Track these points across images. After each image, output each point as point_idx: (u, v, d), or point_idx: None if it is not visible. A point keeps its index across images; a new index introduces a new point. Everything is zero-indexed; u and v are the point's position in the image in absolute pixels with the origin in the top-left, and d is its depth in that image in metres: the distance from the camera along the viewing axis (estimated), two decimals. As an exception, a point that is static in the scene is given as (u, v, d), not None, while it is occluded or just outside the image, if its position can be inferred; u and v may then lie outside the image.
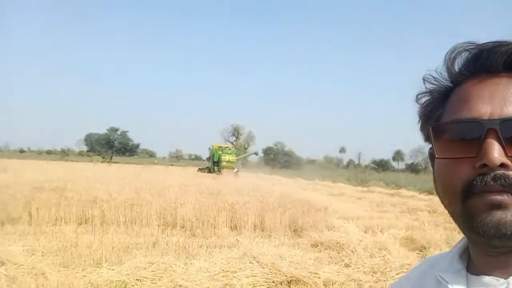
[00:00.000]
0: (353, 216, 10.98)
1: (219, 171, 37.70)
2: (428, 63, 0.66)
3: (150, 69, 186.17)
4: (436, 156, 0.62)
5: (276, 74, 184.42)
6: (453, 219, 0.62)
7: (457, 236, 8.02)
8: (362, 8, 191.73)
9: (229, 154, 40.23)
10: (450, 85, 0.65)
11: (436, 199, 14.97)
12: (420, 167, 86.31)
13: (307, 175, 41.63)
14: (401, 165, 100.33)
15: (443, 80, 0.66)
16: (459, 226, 0.61)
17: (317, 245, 6.94)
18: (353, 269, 5.61)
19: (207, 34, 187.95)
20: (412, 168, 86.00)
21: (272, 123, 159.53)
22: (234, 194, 11.68)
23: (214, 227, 8.60)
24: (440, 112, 0.65)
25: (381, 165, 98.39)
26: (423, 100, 0.69)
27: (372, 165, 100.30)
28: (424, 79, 0.67)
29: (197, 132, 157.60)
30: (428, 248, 7.11)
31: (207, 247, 6.72)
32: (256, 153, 57.24)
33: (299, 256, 5.87)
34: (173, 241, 7.06)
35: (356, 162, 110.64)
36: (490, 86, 0.58)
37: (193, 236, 7.98)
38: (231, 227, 8.68)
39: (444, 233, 8.31)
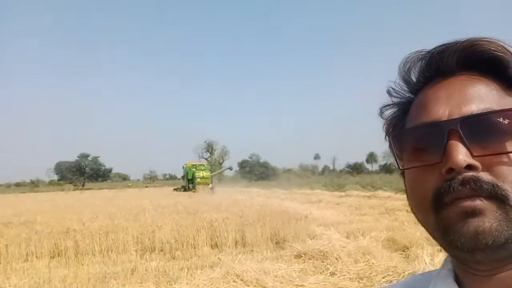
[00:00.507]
0: (333, 222, 10.97)
1: (194, 189, 37.60)
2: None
3: (117, 91, 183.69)
4: (400, 168, 0.58)
5: (245, 86, 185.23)
6: (431, 236, 0.55)
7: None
8: (332, 11, 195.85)
9: (202, 170, 40.49)
10: (411, 96, 0.62)
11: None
12: (394, 167, 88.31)
13: (284, 185, 41.81)
14: (375, 167, 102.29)
15: (403, 92, 0.63)
16: (438, 242, 0.54)
17: (301, 256, 6.84)
18: (339, 277, 5.53)
19: (176, 50, 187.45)
20: (386, 169, 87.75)
21: (245, 136, 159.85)
22: (212, 211, 11.49)
23: (194, 247, 8.39)
24: (403, 124, 0.62)
25: (355, 168, 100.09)
26: (387, 113, 0.66)
27: (347, 169, 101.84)
28: (388, 92, 0.65)
29: (171, 151, 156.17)
30: (411, 247, 7.13)
31: (188, 269, 6.52)
32: (230, 168, 57.20)
33: (284, 269, 5.74)
34: (152, 266, 6.82)
35: (331, 167, 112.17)
36: (446, 87, 0.55)
37: (173, 258, 7.75)
38: (211, 246, 8.49)
39: (424, 231, 8.27)
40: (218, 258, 7.28)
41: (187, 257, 7.81)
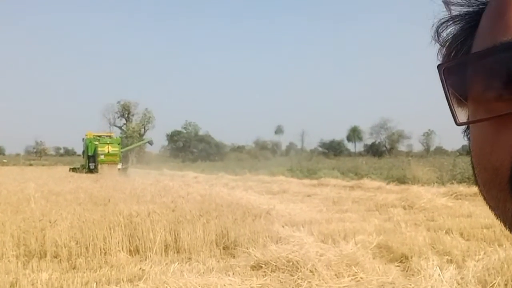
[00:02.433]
0: (304, 220, 11.16)
1: (95, 169, 37.88)
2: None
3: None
4: (458, 121, 0.50)
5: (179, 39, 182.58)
6: (504, 226, 0.48)
7: (445, 238, 8.41)
8: None
9: (108, 144, 40.61)
10: (482, 3, 0.55)
11: (411, 190, 15.53)
12: (385, 148, 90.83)
13: (234, 168, 42.09)
14: (359, 147, 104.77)
15: None
16: None
17: (261, 267, 6.88)
18: (315, 296, 5.61)
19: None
20: (374, 150, 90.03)
21: (180, 100, 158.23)
22: (131, 202, 11.36)
23: (105, 253, 8.26)
24: (467, 48, 0.54)
25: (332, 148, 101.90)
26: (445, 34, 0.57)
27: (320, 148, 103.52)
28: (445, 2, 0.56)
29: (68, 117, 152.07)
30: (411, 257, 7.34)
31: (96, 283, 6.42)
32: (150, 142, 56.76)
33: (237, 285, 5.77)
34: (42, 279, 6.64)
35: (299, 145, 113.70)
36: None
37: (74, 268, 7.61)
38: (130, 251, 8.40)
39: (427, 235, 8.67)
40: (140, 268, 7.20)
41: (94, 267, 7.67)
